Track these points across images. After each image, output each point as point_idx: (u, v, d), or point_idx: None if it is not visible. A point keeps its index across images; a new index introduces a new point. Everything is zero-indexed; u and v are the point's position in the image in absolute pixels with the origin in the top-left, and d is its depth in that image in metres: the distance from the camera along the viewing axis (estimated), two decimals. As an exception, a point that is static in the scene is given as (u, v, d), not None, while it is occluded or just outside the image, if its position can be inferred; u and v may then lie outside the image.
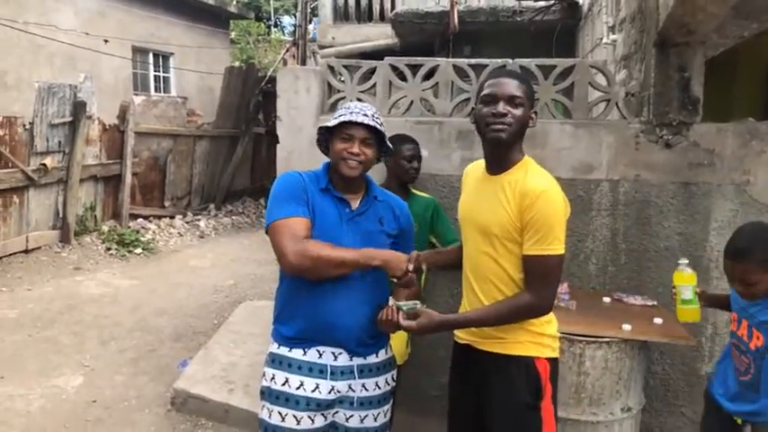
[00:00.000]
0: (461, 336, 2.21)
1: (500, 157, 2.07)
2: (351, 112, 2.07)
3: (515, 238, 2.00)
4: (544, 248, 1.94)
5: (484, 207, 2.08)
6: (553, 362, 2.10)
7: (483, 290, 2.10)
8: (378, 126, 2.07)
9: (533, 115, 2.06)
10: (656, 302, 3.15)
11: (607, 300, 3.17)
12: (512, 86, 2.01)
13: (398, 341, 3.08)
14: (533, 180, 1.98)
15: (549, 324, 2.11)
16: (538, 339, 2.06)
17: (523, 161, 2.07)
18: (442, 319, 2.06)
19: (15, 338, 5.31)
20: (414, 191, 3.22)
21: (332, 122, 2.10)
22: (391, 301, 2.05)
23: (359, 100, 3.69)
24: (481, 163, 2.19)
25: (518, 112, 2.00)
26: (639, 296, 3.23)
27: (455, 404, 2.27)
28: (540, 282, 1.98)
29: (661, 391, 3.46)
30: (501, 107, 1.99)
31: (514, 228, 1.98)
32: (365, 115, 2.06)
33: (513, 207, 1.98)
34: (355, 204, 2.15)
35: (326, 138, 2.17)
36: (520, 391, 2.04)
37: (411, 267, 2.04)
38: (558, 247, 1.95)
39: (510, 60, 3.59)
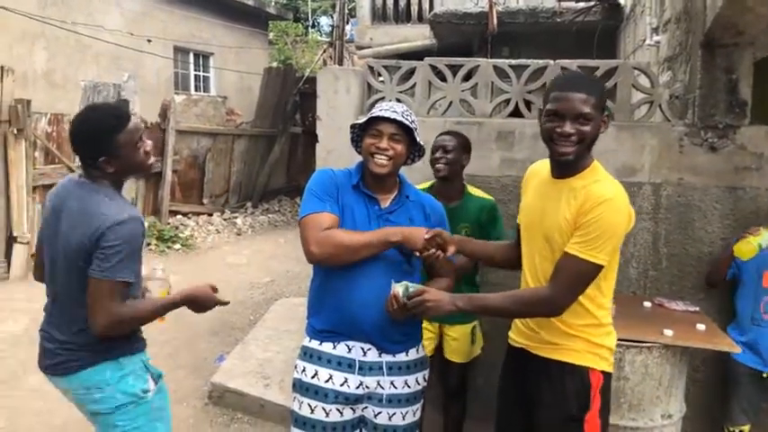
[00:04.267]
0: (516, 339, 2.16)
1: (569, 163, 1.98)
2: (380, 110, 2.12)
3: None
4: (585, 252, 1.86)
5: (547, 212, 2.00)
6: (607, 375, 2.03)
7: None
8: (406, 122, 2.09)
9: (606, 119, 1.96)
10: (698, 308, 3.09)
11: (648, 304, 3.11)
12: (578, 102, 1.89)
13: (463, 340, 3.11)
14: (601, 187, 1.90)
15: (609, 336, 2.04)
16: (596, 350, 2.00)
17: (592, 167, 1.99)
18: (453, 299, 2.00)
19: (60, 329, 5.47)
20: (471, 190, 3.09)
21: (362, 120, 2.16)
22: (392, 286, 2.01)
23: (398, 100, 3.70)
24: (546, 163, 2.10)
25: (586, 128, 1.90)
26: (681, 301, 3.16)
27: (505, 406, 2.23)
28: (564, 281, 1.91)
29: (703, 399, 3.39)
30: (568, 127, 1.90)
31: (571, 233, 1.91)
32: (394, 112, 2.10)
33: (572, 211, 1.91)
34: (386, 203, 2.18)
35: (360, 137, 2.20)
36: (568, 399, 1.98)
37: (428, 235, 2.05)
38: (599, 257, 1.86)
39: (551, 62, 3.56)
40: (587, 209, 1.87)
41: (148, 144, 2.17)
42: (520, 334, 2.15)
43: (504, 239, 3.00)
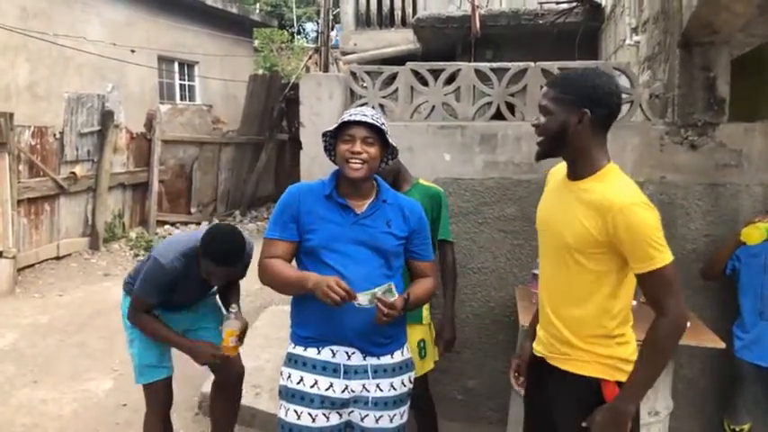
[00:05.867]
0: (537, 349, 2.11)
1: (571, 163, 1.96)
2: (350, 114, 2.13)
3: (591, 252, 1.87)
4: (652, 263, 1.78)
5: (559, 215, 1.96)
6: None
7: (552, 304, 2.02)
8: (376, 123, 2.11)
9: (581, 113, 1.85)
10: (683, 305, 3.11)
11: (633, 303, 3.12)
12: (541, 96, 1.97)
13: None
14: (616, 194, 1.81)
15: (623, 347, 1.94)
16: (606, 361, 1.92)
17: (606, 169, 1.91)
18: (626, 402, 1.84)
19: (48, 343, 5.43)
20: (421, 181, 3.04)
21: (332, 127, 2.17)
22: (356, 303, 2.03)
23: (381, 106, 3.72)
24: (565, 165, 2.06)
25: (545, 122, 1.92)
26: (666, 299, 3.18)
27: (531, 415, 2.20)
28: (666, 297, 1.81)
29: (690, 395, 3.42)
30: (536, 119, 1.97)
31: (593, 241, 1.84)
32: (364, 115, 2.11)
33: (590, 219, 1.84)
34: (362, 209, 2.17)
35: (333, 146, 2.21)
36: (583, 412, 1.91)
37: (329, 290, 1.98)
38: (664, 253, 1.78)
39: (532, 64, 3.58)
40: (617, 223, 1.78)
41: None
42: (540, 344, 2.10)
43: (444, 230, 2.99)
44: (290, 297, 2.28)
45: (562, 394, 1.99)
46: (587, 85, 1.88)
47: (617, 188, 1.85)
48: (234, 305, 2.86)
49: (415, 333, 2.93)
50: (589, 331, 1.93)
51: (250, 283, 7.96)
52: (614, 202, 1.79)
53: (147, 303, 2.85)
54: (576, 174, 1.95)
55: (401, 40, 9.33)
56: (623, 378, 1.91)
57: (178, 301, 2.94)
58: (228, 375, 3.16)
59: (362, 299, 2.01)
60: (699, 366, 3.43)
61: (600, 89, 1.88)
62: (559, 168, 2.11)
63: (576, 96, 1.87)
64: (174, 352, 3.08)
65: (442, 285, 3.03)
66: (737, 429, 3.17)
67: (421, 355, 2.96)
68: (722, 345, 2.66)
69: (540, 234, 2.11)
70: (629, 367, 1.91)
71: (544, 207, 2.10)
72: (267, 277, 2.19)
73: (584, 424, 1.89)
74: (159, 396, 3.02)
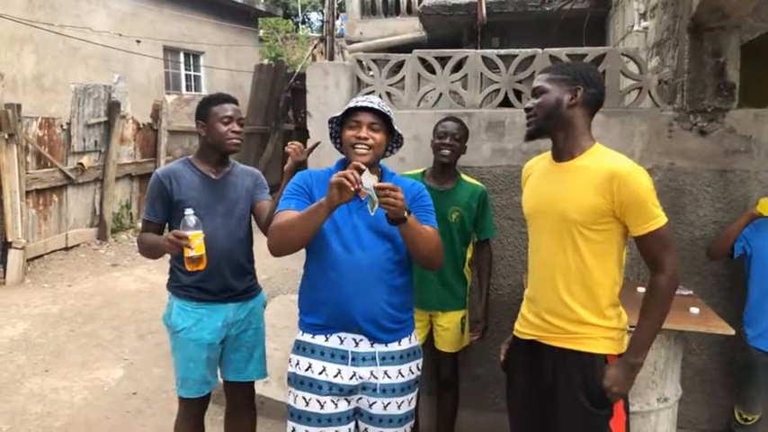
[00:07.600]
0: (525, 331, 2.17)
1: (561, 143, 2.07)
2: (356, 101, 2.16)
3: (596, 224, 1.97)
4: (651, 223, 1.93)
5: (558, 194, 2.05)
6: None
7: (562, 284, 2.06)
8: (383, 110, 2.12)
9: (575, 89, 2.01)
10: (691, 292, 3.11)
11: (641, 290, 3.11)
12: (536, 81, 2.11)
13: (453, 329, 3.10)
14: (615, 163, 1.95)
15: (620, 317, 2.09)
16: (609, 334, 2.04)
17: (595, 147, 2.05)
18: (634, 363, 2.00)
19: (58, 333, 5.48)
20: (464, 177, 3.12)
21: (339, 113, 2.19)
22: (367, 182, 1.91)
23: (388, 94, 3.70)
24: (540, 157, 2.22)
25: (540, 100, 2.06)
26: (675, 286, 3.18)
27: (518, 401, 2.24)
28: (664, 256, 1.96)
29: (698, 381, 3.42)
30: (529, 102, 2.12)
31: (599, 213, 1.96)
32: (371, 101, 2.13)
33: (598, 191, 1.94)
34: (366, 194, 2.17)
35: (339, 133, 2.22)
36: (591, 390, 2.00)
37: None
38: (661, 215, 1.94)
39: (540, 50, 3.56)
40: (622, 187, 1.91)
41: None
42: (529, 325, 2.16)
43: (489, 229, 3.12)
44: (297, 285, 2.28)
45: (568, 375, 2.03)
46: (581, 68, 2.09)
47: (615, 159, 1.99)
48: (189, 209, 2.44)
49: (458, 312, 3.11)
50: (604, 302, 2.04)
51: (257, 274, 7.94)
52: (619, 169, 1.92)
53: (148, 222, 2.71)
54: (564, 155, 2.07)
55: (407, 28, 9.31)
56: (622, 349, 2.06)
57: (196, 208, 2.49)
58: (241, 397, 3.10)
59: (367, 181, 1.90)
60: (707, 353, 3.43)
61: (592, 72, 2.09)
62: (534, 162, 2.27)
63: (571, 76, 2.04)
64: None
65: (479, 280, 3.18)
66: (749, 419, 3.16)
67: (462, 330, 3.13)
68: (732, 331, 2.65)
69: (533, 220, 2.21)
70: (626, 338, 2.08)
71: (535, 194, 2.19)
72: (277, 230, 2.07)
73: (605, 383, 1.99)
74: (194, 408, 2.93)
